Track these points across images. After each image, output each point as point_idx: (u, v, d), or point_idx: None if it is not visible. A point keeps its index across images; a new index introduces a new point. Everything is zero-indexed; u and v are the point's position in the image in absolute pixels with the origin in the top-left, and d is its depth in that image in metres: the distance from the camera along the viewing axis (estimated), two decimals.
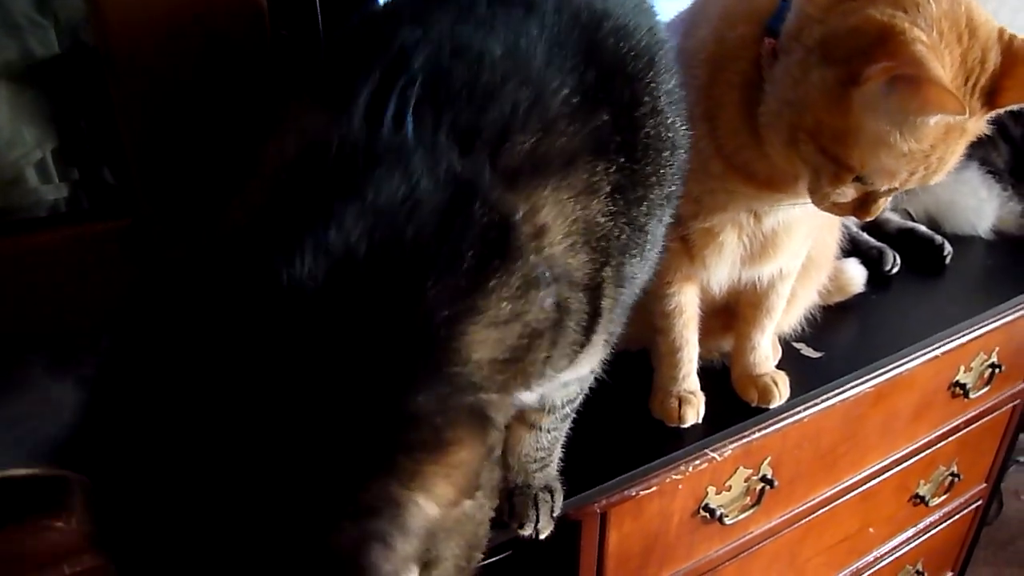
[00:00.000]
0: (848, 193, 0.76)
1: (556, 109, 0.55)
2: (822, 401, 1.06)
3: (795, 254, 0.92)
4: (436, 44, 0.55)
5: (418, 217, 0.49)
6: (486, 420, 0.51)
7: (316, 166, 0.51)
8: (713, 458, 0.98)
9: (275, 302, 0.46)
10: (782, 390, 0.99)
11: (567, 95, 0.56)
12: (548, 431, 0.78)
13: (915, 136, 0.70)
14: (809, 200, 0.80)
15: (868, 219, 0.80)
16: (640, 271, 0.66)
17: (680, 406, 0.95)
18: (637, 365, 1.01)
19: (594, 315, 0.60)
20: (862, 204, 0.78)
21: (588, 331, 0.60)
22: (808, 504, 1.21)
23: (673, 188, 0.68)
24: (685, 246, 0.89)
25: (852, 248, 1.24)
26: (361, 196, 0.48)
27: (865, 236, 1.29)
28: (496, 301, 0.51)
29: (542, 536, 0.84)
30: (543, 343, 0.55)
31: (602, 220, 0.58)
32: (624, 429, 0.96)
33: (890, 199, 0.80)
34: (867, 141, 0.71)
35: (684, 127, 0.68)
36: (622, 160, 0.59)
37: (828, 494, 1.23)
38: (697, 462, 0.98)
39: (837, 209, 0.79)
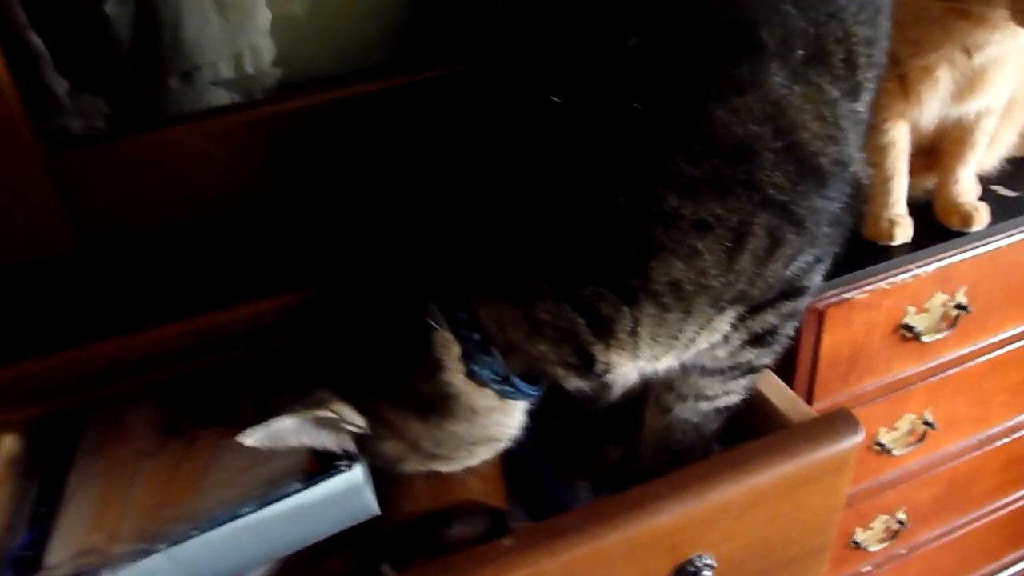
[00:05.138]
0: None
1: None
2: (1019, 231, 1.20)
3: (1001, 90, 1.06)
4: None
5: None
6: None
7: None
8: (918, 273, 1.15)
9: None
10: (983, 215, 1.14)
11: None
12: None
13: None
14: (1012, 35, 0.95)
15: None
16: None
17: (891, 226, 1.12)
18: None
19: None
20: None
21: None
22: (997, 339, 1.34)
23: None
24: (901, 85, 1.05)
25: None
26: None
27: None
28: None
29: None
30: None
31: None
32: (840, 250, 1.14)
33: None
34: None
35: None
36: None
37: (1016, 331, 1.36)
38: (904, 275, 1.15)
39: None
